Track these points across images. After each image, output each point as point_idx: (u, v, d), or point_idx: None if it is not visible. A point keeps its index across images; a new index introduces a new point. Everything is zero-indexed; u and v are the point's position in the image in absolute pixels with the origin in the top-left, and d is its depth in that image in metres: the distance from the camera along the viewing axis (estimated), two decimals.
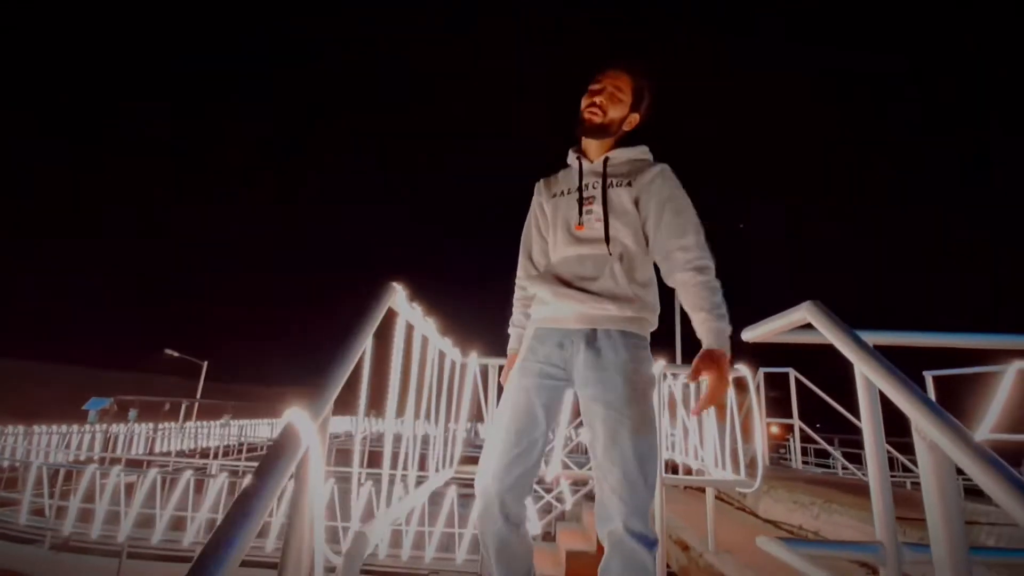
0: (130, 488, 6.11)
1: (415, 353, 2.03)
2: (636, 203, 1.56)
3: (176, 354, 20.98)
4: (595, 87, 1.62)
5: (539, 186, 1.76)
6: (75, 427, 10.93)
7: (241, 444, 13.24)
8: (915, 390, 1.03)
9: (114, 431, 11.15)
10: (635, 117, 1.66)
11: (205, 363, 21.12)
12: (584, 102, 1.62)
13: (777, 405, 7.96)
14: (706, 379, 1.38)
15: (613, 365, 1.45)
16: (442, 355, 2.84)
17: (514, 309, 1.77)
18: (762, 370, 8.01)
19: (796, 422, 7.59)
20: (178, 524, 5.95)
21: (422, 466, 2.24)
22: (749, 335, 1.86)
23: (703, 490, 3.67)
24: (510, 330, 1.79)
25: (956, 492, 1.00)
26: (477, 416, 3.56)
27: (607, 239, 1.54)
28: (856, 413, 1.37)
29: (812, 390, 7.27)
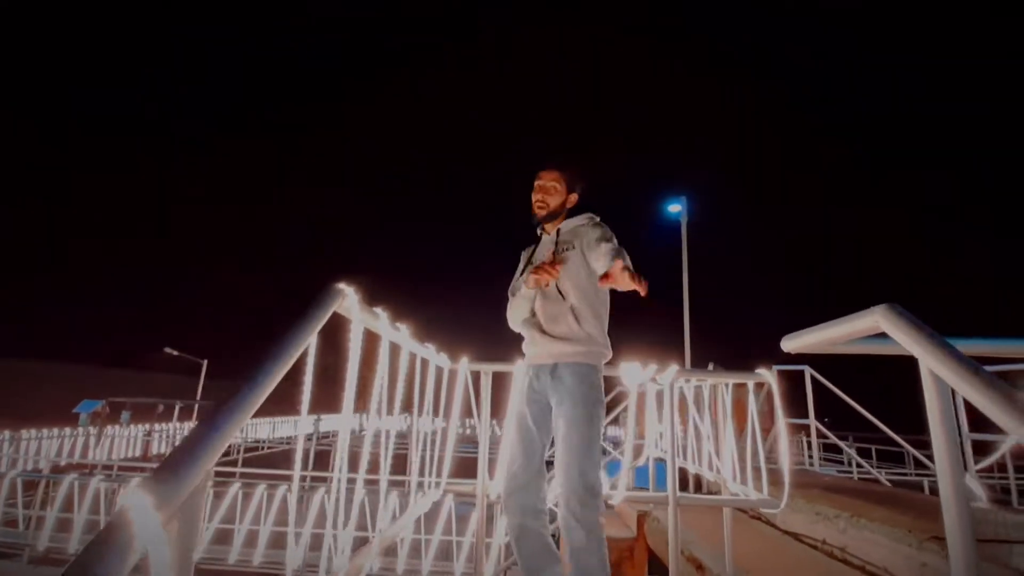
0: (113, 495, 5.82)
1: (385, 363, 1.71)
2: (581, 254, 2.06)
3: (176, 352, 20.71)
4: (537, 184, 2.17)
5: (523, 254, 2.31)
6: (67, 430, 10.70)
7: (238, 446, 12.97)
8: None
9: (107, 433, 10.90)
10: (573, 197, 2.20)
11: (205, 361, 20.88)
12: (533, 198, 2.18)
13: (789, 400, 7.55)
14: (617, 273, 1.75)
15: (566, 389, 1.94)
16: (425, 362, 2.53)
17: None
18: (775, 367, 7.61)
19: (812, 422, 7.22)
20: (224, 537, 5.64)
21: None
22: (791, 345, 1.52)
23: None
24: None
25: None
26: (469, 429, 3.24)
27: (561, 295, 2.04)
28: (871, 409, 1.06)
29: (826, 386, 6.94)
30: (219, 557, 5.33)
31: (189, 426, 14.48)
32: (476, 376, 3.16)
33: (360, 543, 1.62)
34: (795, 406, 7.50)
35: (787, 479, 2.82)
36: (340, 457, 1.46)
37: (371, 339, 1.64)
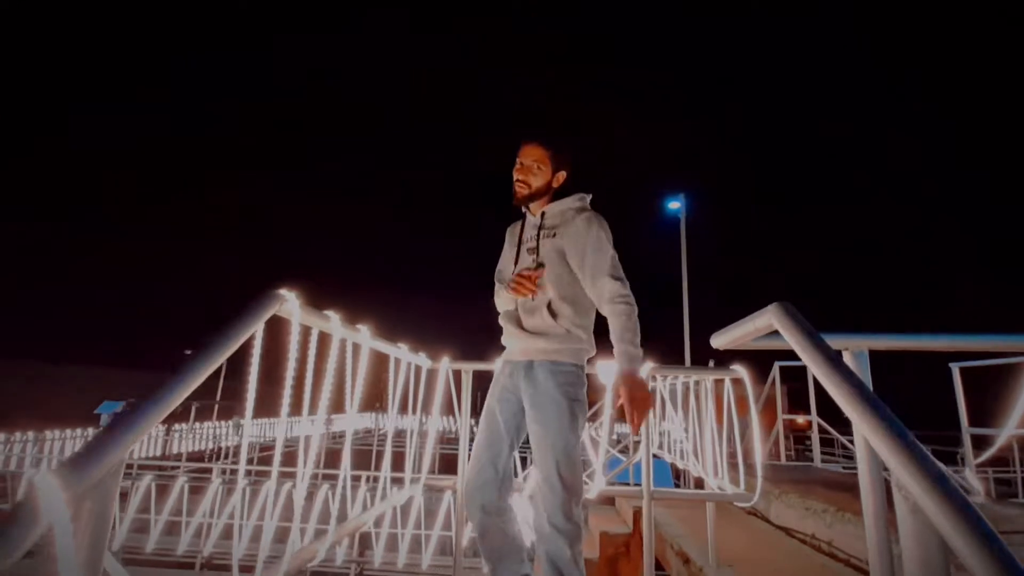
0: (124, 495, 6.06)
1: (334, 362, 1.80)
2: (564, 251, 1.88)
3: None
4: (519, 161, 1.92)
5: (508, 232, 2.12)
6: (89, 431, 11.08)
7: (253, 444, 13.28)
8: (901, 435, 0.75)
9: None
10: (561, 176, 1.95)
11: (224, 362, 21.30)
12: (513, 175, 1.93)
13: (798, 396, 7.52)
14: (628, 400, 1.70)
15: (542, 390, 1.78)
16: (398, 362, 2.63)
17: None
18: (778, 364, 7.62)
19: (814, 418, 7.17)
20: (172, 529, 5.87)
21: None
22: (717, 342, 1.58)
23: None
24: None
25: (943, 567, 0.72)
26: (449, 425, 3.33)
27: (543, 287, 1.88)
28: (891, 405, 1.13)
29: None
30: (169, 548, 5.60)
31: (208, 425, 14.85)
32: (458, 375, 3.25)
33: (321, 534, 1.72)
34: (803, 400, 7.46)
35: (759, 473, 2.86)
36: (300, 455, 1.56)
37: (328, 341, 1.74)
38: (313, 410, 1.57)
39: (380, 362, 2.35)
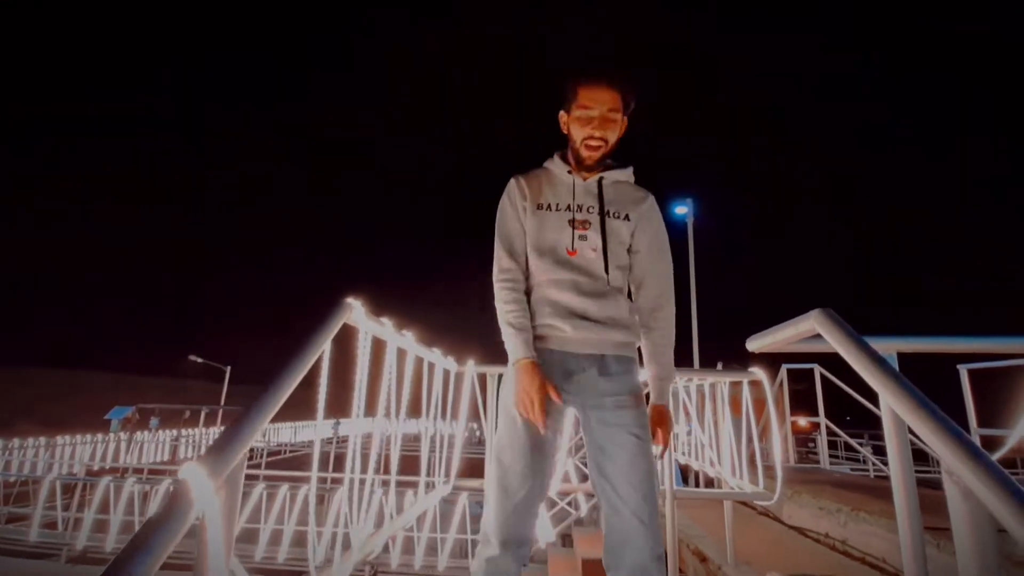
0: (145, 497, 6.13)
1: (391, 367, 1.90)
2: (631, 234, 1.55)
3: (200, 360, 21.35)
4: (589, 114, 1.47)
5: (519, 184, 1.56)
6: (99, 436, 11.18)
7: (262, 450, 13.38)
8: (947, 423, 0.84)
9: (137, 439, 11.35)
10: (624, 123, 1.53)
11: (228, 367, 21.45)
12: (578, 129, 1.48)
13: (802, 398, 7.62)
14: (661, 429, 1.52)
15: (626, 390, 1.44)
16: (432, 366, 2.71)
17: (510, 308, 1.47)
18: (785, 366, 7.70)
19: (822, 420, 7.26)
20: (191, 530, 5.92)
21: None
22: (754, 345, 1.67)
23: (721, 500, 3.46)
24: (515, 333, 1.44)
25: (995, 551, 0.81)
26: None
27: (607, 271, 1.49)
28: None
29: (839, 384, 6.95)
30: (246, 555, 5.60)
31: (215, 431, 14.94)
32: (483, 379, 3.33)
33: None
34: (808, 402, 7.53)
35: (779, 473, 2.94)
36: (352, 459, 1.64)
37: (379, 345, 1.82)
38: (371, 411, 1.65)
39: (417, 367, 2.44)
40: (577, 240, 1.49)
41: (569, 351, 1.46)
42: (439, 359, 2.76)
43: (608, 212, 1.51)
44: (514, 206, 1.54)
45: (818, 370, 7.10)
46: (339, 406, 1.75)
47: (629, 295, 1.57)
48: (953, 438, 0.81)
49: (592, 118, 1.46)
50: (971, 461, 0.77)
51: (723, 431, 3.42)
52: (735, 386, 3.62)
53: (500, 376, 3.10)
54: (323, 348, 1.20)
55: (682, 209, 8.86)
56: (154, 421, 12.31)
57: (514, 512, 1.37)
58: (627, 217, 1.53)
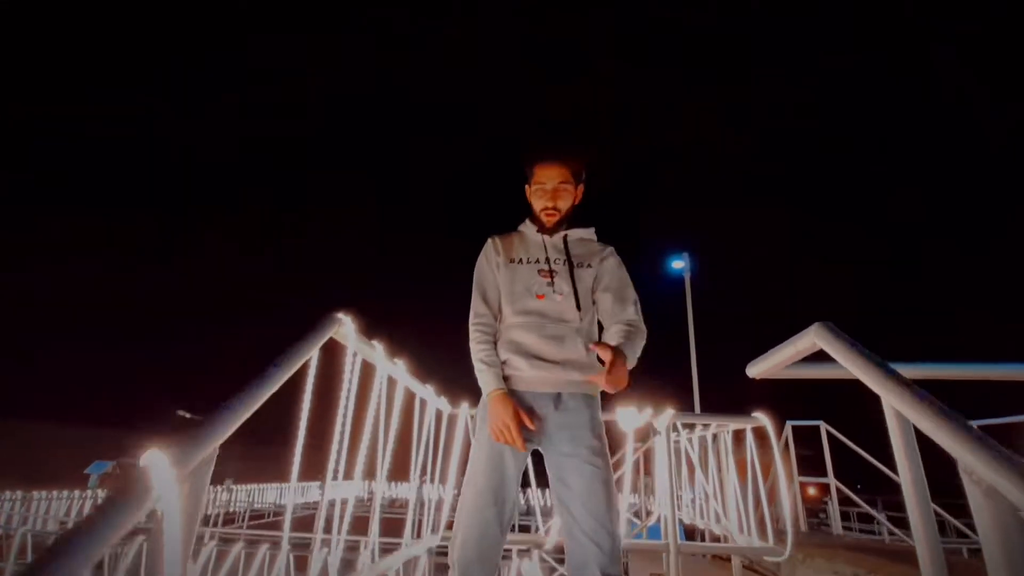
0: (115, 559, 5.76)
1: (380, 395, 1.83)
2: (595, 278, 1.72)
3: (188, 415, 20.80)
4: (547, 185, 1.71)
5: (494, 243, 1.78)
6: (76, 493, 10.65)
7: (244, 512, 12.68)
8: (958, 420, 0.79)
9: None
10: (581, 190, 1.78)
11: None
12: (537, 201, 1.74)
13: (810, 464, 7.30)
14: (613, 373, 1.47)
15: (582, 424, 1.55)
16: (423, 404, 2.63)
17: (481, 347, 1.63)
18: (790, 423, 7.46)
19: (832, 481, 6.94)
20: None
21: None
22: (754, 370, 1.62)
23: (729, 558, 3.24)
24: (487, 368, 1.60)
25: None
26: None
27: (579, 309, 1.65)
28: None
29: (847, 445, 6.72)
30: None
31: None
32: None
33: None
34: (816, 467, 7.23)
35: (789, 527, 2.76)
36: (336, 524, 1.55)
37: (368, 372, 1.77)
38: (350, 468, 1.57)
39: (407, 402, 2.35)
40: (545, 286, 1.66)
41: (528, 390, 1.59)
42: (431, 396, 2.67)
43: (575, 263, 1.71)
44: (489, 262, 1.74)
45: (824, 427, 6.88)
46: (318, 464, 1.70)
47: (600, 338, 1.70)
48: (964, 432, 0.76)
49: (546, 191, 1.70)
50: (986, 453, 0.72)
51: (728, 482, 3.25)
52: (738, 443, 3.49)
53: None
54: (307, 357, 1.16)
55: (679, 263, 8.99)
56: None
57: (476, 521, 1.46)
58: (590, 265, 1.72)
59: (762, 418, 2.98)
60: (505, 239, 1.78)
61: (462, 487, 1.57)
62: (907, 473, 1.05)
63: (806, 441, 7.12)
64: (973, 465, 0.75)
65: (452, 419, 3.18)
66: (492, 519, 1.46)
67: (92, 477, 11.25)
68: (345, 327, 1.40)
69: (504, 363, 1.61)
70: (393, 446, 2.12)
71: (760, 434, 3.05)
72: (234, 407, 0.92)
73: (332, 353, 1.53)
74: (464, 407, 3.17)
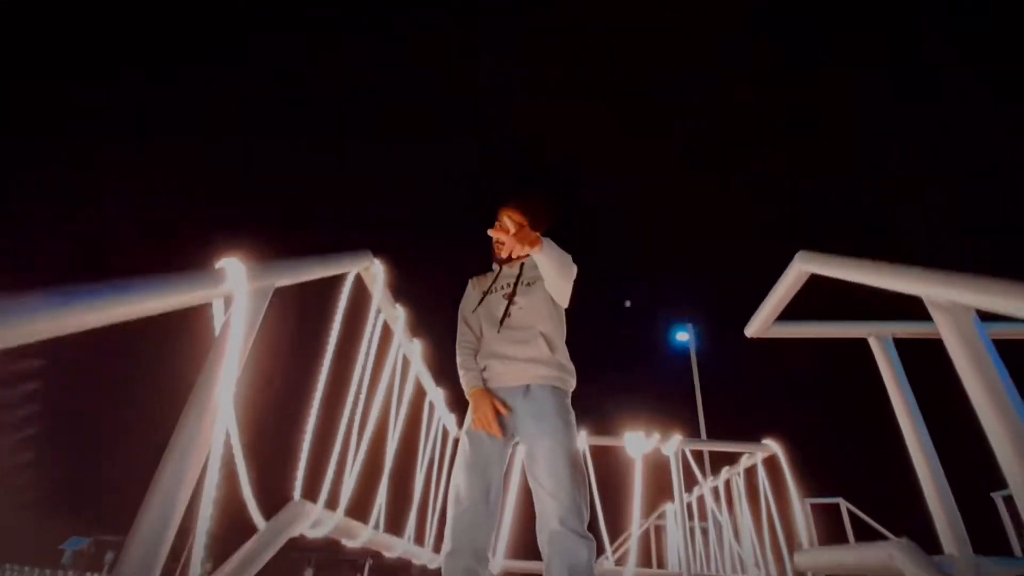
0: None
1: (394, 365, 1.87)
2: (544, 289, 2.01)
3: None
4: (499, 224, 2.02)
5: (472, 282, 2.18)
6: (47, 571, 9.84)
7: None
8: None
9: None
10: (526, 238, 1.96)
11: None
12: (493, 236, 2.04)
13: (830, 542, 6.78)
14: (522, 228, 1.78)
15: (546, 408, 1.79)
16: (432, 409, 2.62)
17: (464, 359, 1.97)
18: (808, 501, 7.07)
19: None
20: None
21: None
22: (752, 328, 1.71)
23: None
24: (467, 372, 1.94)
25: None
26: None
27: (532, 323, 1.95)
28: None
29: (867, 523, 6.31)
30: None
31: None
32: None
33: None
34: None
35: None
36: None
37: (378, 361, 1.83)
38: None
39: (416, 399, 2.37)
40: (509, 306, 1.99)
41: (501, 386, 1.88)
42: (440, 402, 2.67)
43: (521, 283, 2.03)
44: (468, 298, 2.12)
45: (844, 504, 6.53)
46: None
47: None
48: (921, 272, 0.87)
49: (499, 227, 2.01)
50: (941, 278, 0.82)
51: (743, 527, 3.10)
52: (751, 481, 3.38)
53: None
54: (343, 271, 1.27)
55: (683, 335, 9.07)
56: (109, 556, 10.92)
57: (462, 517, 1.65)
58: (531, 281, 2.03)
59: (772, 445, 2.93)
60: (479, 278, 2.18)
61: (451, 478, 1.77)
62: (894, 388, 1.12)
63: (825, 517, 6.73)
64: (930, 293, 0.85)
65: (457, 445, 3.12)
66: (479, 497, 1.67)
67: (66, 554, 10.49)
68: (375, 269, 1.51)
69: (484, 369, 1.92)
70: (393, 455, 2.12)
71: (771, 462, 2.97)
72: (294, 264, 1.04)
73: (351, 318, 1.63)
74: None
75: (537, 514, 1.65)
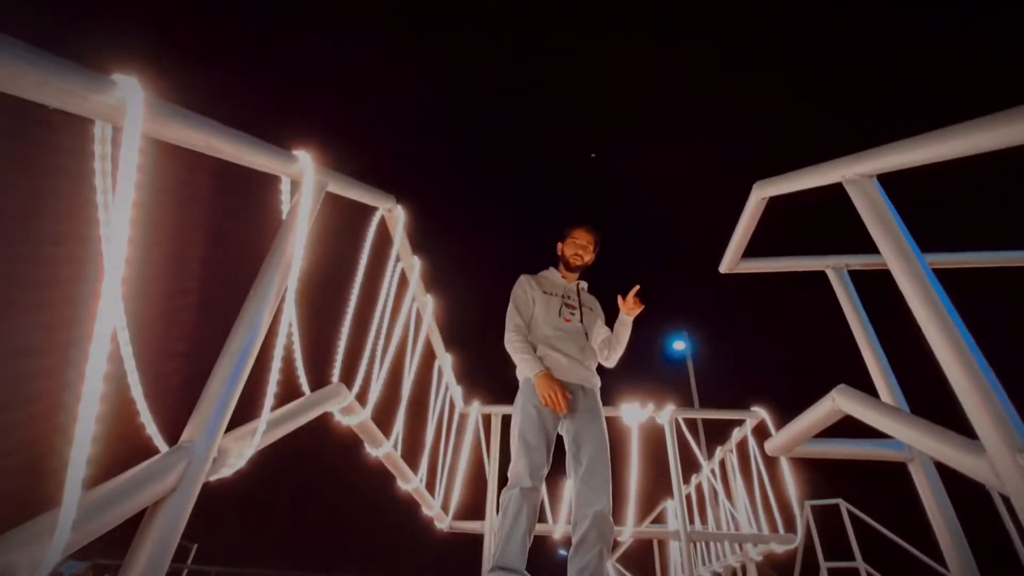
0: None
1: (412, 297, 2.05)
2: (595, 323, 2.50)
3: None
4: (579, 241, 2.54)
5: (529, 280, 2.51)
6: None
7: None
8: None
9: None
10: (592, 257, 2.60)
11: (195, 546, 19.21)
12: (568, 249, 2.55)
13: (833, 546, 6.77)
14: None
15: (596, 409, 2.23)
16: (439, 376, 2.77)
17: (523, 346, 2.28)
18: (808, 503, 7.07)
19: (860, 565, 6.40)
20: None
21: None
22: (725, 265, 1.93)
23: None
24: (530, 358, 2.24)
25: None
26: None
27: (587, 335, 2.41)
28: (929, 553, 1.34)
29: (872, 526, 6.33)
30: None
31: None
32: (487, 420, 3.29)
33: None
34: (840, 550, 6.73)
35: (797, 512, 2.75)
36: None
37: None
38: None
39: (427, 352, 2.52)
40: (570, 313, 2.42)
41: (564, 379, 2.23)
42: (448, 371, 2.82)
43: (583, 303, 2.51)
44: (525, 291, 2.45)
45: (844, 506, 6.55)
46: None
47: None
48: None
49: (581, 244, 2.53)
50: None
51: (736, 490, 3.24)
52: (743, 455, 3.52)
53: (503, 416, 3.14)
54: (371, 204, 1.48)
55: (680, 344, 9.25)
56: None
57: (533, 459, 2.04)
58: (591, 309, 2.54)
59: (761, 412, 3.09)
60: (537, 278, 2.55)
61: (513, 444, 2.13)
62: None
63: (825, 518, 6.72)
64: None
65: (462, 419, 3.26)
66: (542, 457, 2.06)
67: None
68: (397, 212, 1.72)
69: (542, 359, 2.25)
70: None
71: (760, 430, 3.13)
72: (339, 177, 1.27)
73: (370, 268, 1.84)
74: (475, 405, 3.27)
75: (580, 492, 2.02)
